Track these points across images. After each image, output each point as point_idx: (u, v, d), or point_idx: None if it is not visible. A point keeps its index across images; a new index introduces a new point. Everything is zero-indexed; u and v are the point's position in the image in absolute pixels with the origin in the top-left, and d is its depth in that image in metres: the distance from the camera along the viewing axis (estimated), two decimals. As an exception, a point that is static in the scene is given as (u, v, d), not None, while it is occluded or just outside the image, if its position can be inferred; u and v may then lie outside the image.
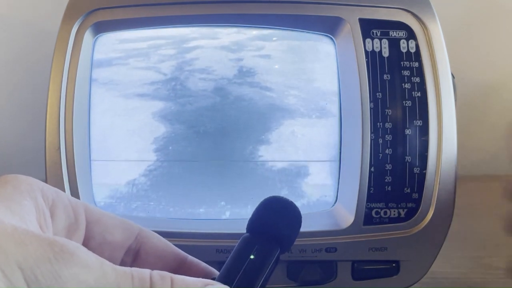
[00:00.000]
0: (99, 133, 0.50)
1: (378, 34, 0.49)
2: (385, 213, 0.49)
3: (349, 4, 0.49)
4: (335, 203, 0.50)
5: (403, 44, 0.49)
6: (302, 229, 0.37)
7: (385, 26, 0.49)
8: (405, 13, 0.50)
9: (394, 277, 0.50)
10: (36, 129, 0.58)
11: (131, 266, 0.36)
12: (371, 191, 0.48)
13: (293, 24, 0.50)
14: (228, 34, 0.50)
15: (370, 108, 0.48)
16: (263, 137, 0.49)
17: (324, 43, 0.50)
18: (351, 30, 0.49)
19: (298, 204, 0.37)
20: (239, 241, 0.35)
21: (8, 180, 0.32)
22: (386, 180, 0.48)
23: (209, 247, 0.48)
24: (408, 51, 0.49)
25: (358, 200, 0.48)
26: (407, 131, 0.48)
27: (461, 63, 0.84)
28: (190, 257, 0.37)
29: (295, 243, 0.37)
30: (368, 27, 0.49)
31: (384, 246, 0.49)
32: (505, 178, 0.87)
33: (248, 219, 0.36)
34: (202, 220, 0.50)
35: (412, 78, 0.49)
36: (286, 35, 0.50)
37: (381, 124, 0.48)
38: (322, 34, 0.50)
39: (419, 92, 0.49)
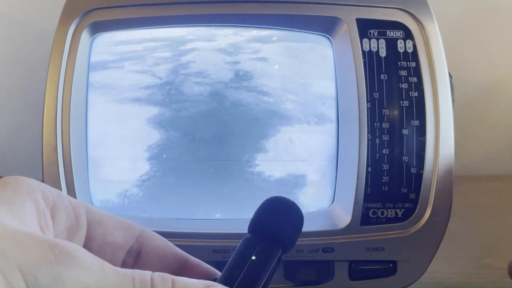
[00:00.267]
0: (95, 135, 0.49)
1: (375, 34, 0.49)
2: (382, 213, 0.49)
3: (346, 4, 0.49)
4: (332, 203, 0.50)
5: (400, 44, 0.49)
6: (299, 229, 0.37)
7: (382, 26, 0.49)
8: (402, 13, 0.49)
9: (391, 277, 0.50)
10: (33, 129, 0.58)
11: (132, 267, 0.36)
12: (368, 191, 0.48)
13: (290, 24, 0.50)
14: (225, 36, 0.50)
15: (367, 108, 0.48)
16: (259, 145, 0.49)
17: (322, 45, 0.50)
18: (348, 30, 0.49)
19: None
20: (240, 241, 0.35)
21: (8, 182, 0.32)
22: (383, 180, 0.48)
23: (206, 247, 0.48)
24: (405, 51, 0.49)
25: (355, 200, 0.48)
26: (404, 131, 0.48)
27: (461, 63, 0.85)
28: (192, 258, 0.37)
29: (293, 243, 0.37)
30: (365, 27, 0.49)
31: (381, 246, 0.49)
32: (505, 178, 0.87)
33: (247, 221, 0.36)
34: (199, 220, 0.50)
35: (409, 78, 0.49)
36: (283, 37, 0.50)
37: (378, 124, 0.48)
38: (319, 34, 0.50)
39: (416, 92, 0.49)
